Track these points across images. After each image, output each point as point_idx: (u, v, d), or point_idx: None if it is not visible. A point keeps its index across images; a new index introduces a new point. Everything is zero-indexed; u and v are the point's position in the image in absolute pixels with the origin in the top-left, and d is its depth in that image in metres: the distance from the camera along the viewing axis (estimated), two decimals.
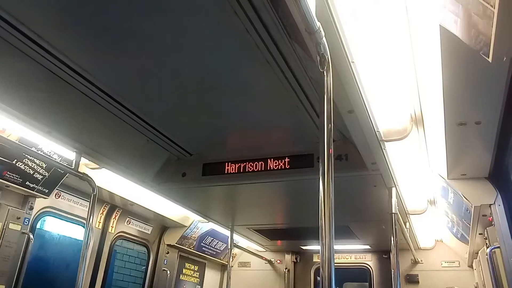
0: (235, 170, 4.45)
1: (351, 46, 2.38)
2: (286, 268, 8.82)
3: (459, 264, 7.63)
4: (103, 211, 5.95)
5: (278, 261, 8.95)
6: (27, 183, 4.30)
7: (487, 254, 4.55)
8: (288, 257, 8.89)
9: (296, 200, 5.43)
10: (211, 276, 8.82)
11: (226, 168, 4.49)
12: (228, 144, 4.34)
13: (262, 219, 6.66)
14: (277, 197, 5.44)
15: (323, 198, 1.82)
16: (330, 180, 1.85)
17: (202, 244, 7.85)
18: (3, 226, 4.28)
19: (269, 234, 7.59)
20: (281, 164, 4.29)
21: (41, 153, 4.12)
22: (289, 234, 7.57)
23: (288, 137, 4.10)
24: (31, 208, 4.61)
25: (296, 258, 8.95)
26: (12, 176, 4.14)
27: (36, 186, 4.41)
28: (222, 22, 2.51)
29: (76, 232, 5.80)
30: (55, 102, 3.41)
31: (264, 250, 8.94)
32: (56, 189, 4.74)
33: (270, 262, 8.95)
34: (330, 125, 1.94)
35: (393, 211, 4.42)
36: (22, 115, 3.36)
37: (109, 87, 3.35)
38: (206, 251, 8.15)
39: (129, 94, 3.48)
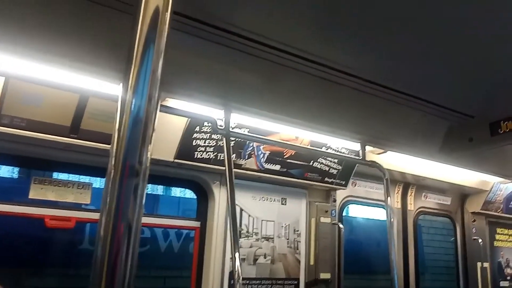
0: None
1: None
2: None
3: None
4: (398, 191, 6.15)
5: None
6: (326, 179, 4.82)
7: None
8: None
9: None
10: None
11: None
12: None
13: None
14: None
15: None
16: None
17: (510, 206, 7.25)
18: (316, 220, 4.91)
19: None
20: None
21: (331, 151, 4.58)
22: None
23: None
24: (334, 201, 5.15)
25: None
26: (313, 175, 4.71)
27: (334, 180, 4.89)
28: None
29: (379, 214, 6.14)
30: (334, 106, 3.78)
31: None
32: (351, 179, 5.15)
33: None
34: None
35: None
36: (303, 122, 3.83)
37: (376, 76, 3.52)
38: None
39: (397, 76, 3.56)
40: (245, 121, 3.79)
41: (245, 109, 3.49)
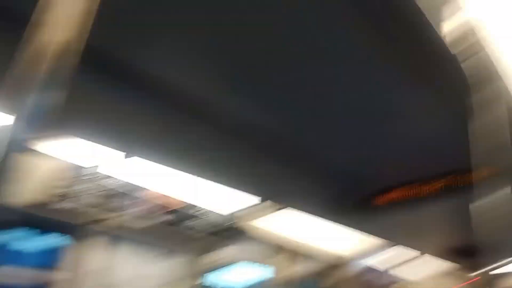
0: (408, 194, 4.33)
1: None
2: None
3: None
4: (272, 255, 6.13)
5: None
6: (195, 242, 4.70)
7: None
8: None
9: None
10: None
11: (396, 192, 4.40)
12: (393, 167, 4.18)
13: None
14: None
15: None
16: None
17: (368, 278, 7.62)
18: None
19: None
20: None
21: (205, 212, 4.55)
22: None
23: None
24: (204, 265, 4.96)
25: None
26: (183, 237, 4.51)
27: (204, 244, 4.81)
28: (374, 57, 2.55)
29: (252, 277, 6.04)
30: (235, 160, 3.79)
31: None
32: (221, 243, 5.05)
33: None
34: None
35: None
36: (204, 173, 3.82)
37: (275, 136, 3.54)
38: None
39: (293, 137, 3.62)
40: (127, 170, 3.63)
41: (144, 155, 3.35)
